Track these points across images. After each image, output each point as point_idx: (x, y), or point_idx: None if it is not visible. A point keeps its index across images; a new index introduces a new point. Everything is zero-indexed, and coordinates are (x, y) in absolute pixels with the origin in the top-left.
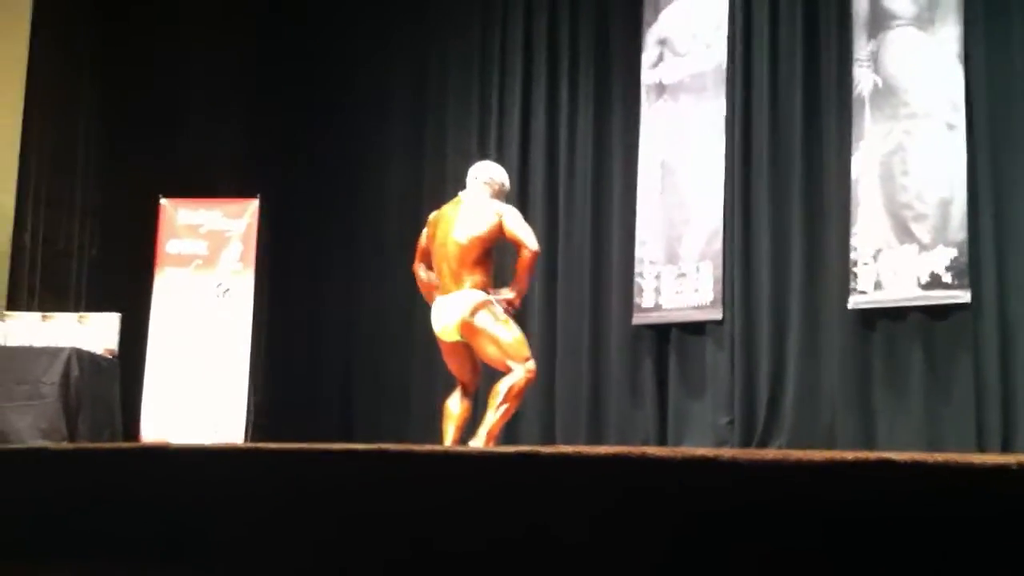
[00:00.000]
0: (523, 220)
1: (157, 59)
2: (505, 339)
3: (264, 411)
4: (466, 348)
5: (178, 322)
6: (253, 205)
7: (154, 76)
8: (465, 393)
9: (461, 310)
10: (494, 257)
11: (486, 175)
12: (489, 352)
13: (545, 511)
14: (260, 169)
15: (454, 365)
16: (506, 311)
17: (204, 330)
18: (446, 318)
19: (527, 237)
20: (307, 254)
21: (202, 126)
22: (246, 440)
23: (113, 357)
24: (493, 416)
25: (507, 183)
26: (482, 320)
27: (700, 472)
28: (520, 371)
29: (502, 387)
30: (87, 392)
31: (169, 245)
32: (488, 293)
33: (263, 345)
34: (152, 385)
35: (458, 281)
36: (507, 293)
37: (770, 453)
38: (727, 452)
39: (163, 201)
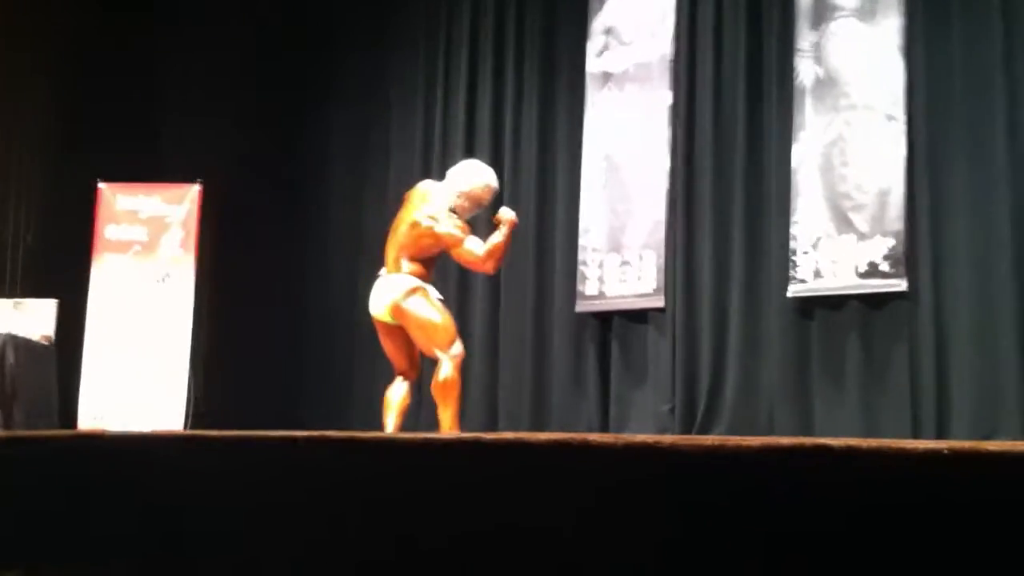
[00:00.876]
0: (449, 225)
1: (98, 41)
2: (431, 324)
3: (204, 399)
4: (401, 331)
5: (117, 309)
6: (194, 191)
7: (95, 58)
8: (405, 380)
9: (394, 293)
10: (432, 255)
11: (455, 174)
12: (416, 336)
13: (487, 498)
14: (202, 154)
15: (389, 349)
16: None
17: (143, 317)
18: (381, 299)
19: (453, 238)
20: (250, 241)
21: (143, 109)
22: (185, 428)
23: (50, 344)
24: (444, 415)
25: (475, 188)
26: (412, 304)
27: (641, 459)
28: (446, 361)
29: (437, 386)
30: (23, 379)
31: (108, 231)
32: (425, 283)
33: (204, 333)
34: (90, 372)
35: (398, 265)
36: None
37: (709, 439)
38: (667, 438)
39: (101, 185)
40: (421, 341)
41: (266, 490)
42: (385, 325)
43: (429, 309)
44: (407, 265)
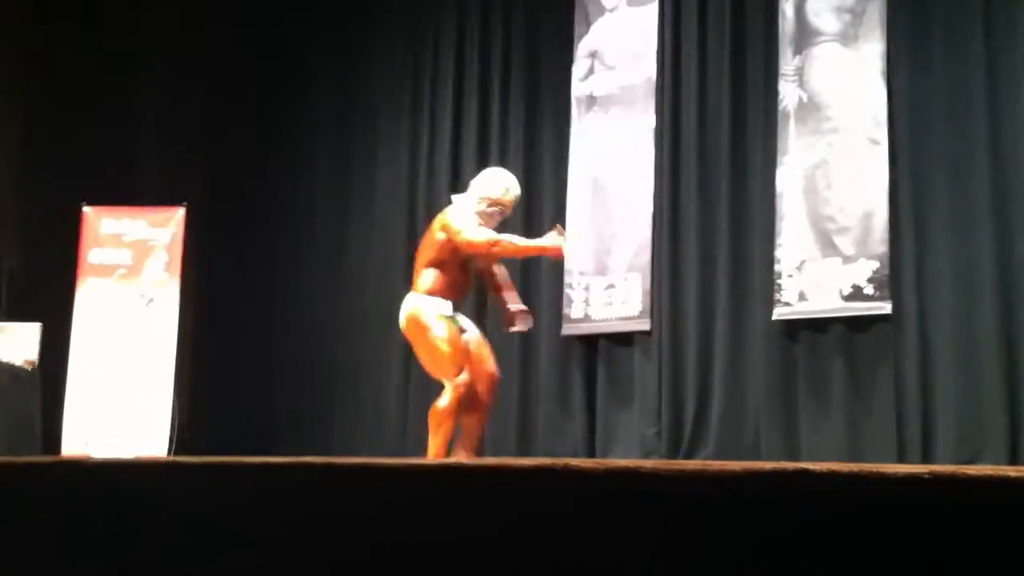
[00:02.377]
0: (460, 217)
1: (82, 63)
2: (435, 351)
3: (189, 424)
4: None
5: (101, 333)
6: (179, 214)
7: (79, 81)
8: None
9: (405, 310)
10: (453, 265)
11: (477, 181)
12: (422, 359)
13: (468, 524)
14: (186, 178)
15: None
16: (517, 318)
17: (128, 341)
18: (400, 316)
19: (459, 227)
20: (234, 264)
21: (127, 133)
22: (170, 453)
23: (33, 368)
24: (432, 442)
25: (497, 194)
26: (419, 326)
27: (623, 484)
28: (448, 390)
29: (432, 411)
30: (6, 404)
31: (92, 254)
32: (430, 294)
33: (188, 356)
34: (74, 397)
35: (415, 281)
36: (514, 304)
37: (691, 464)
38: (649, 463)
39: (86, 209)
40: (427, 365)
41: (249, 516)
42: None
43: (434, 334)
44: (423, 279)
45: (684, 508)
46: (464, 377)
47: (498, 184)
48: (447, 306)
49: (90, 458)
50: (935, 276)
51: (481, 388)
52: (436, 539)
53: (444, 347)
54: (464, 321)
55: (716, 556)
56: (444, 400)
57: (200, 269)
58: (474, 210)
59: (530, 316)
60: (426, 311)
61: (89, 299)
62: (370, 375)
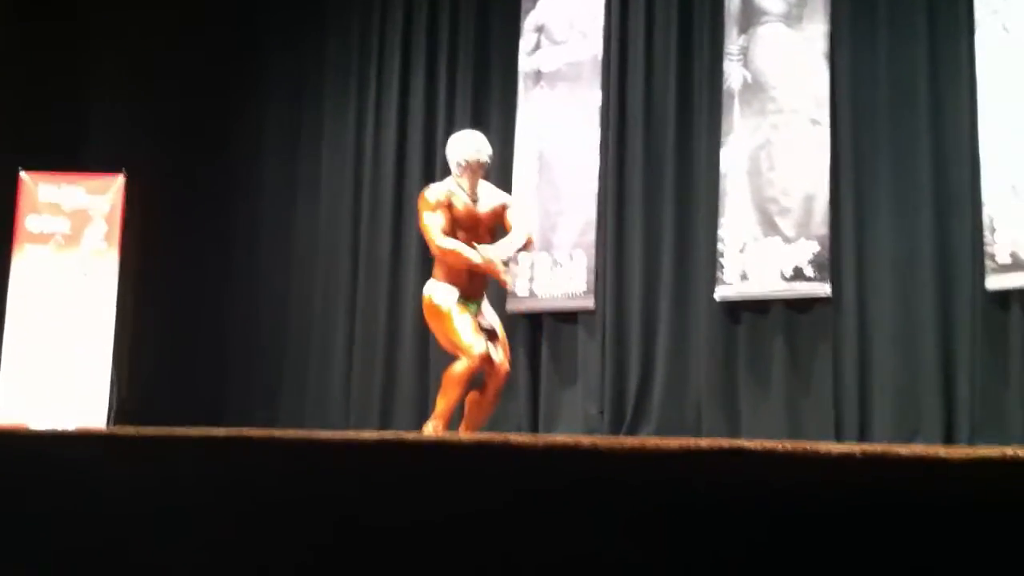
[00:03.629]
0: (427, 213)
1: (21, 28)
2: (448, 334)
3: (127, 396)
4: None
5: (38, 302)
6: (118, 181)
7: (17, 44)
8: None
9: (423, 296)
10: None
11: (447, 149)
12: (441, 342)
13: (409, 497)
14: (132, 151)
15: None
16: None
17: (65, 310)
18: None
19: (425, 224)
20: (175, 235)
21: (67, 97)
22: (108, 425)
23: None
24: (439, 400)
25: (466, 156)
26: (429, 313)
27: (561, 459)
28: (463, 359)
29: (447, 374)
30: None
31: (28, 221)
32: (443, 281)
33: (128, 327)
34: (9, 367)
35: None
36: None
37: (628, 440)
38: (587, 439)
39: (23, 174)
40: (445, 345)
41: (185, 488)
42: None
43: (445, 317)
44: (434, 265)
45: (621, 484)
46: (481, 350)
47: (468, 147)
48: (454, 292)
49: (24, 429)
50: (875, 259)
51: (490, 381)
52: (375, 512)
53: (455, 326)
54: (486, 309)
55: (652, 531)
56: (459, 365)
57: (144, 240)
58: (456, 179)
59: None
60: (436, 296)
61: (26, 267)
62: (316, 351)
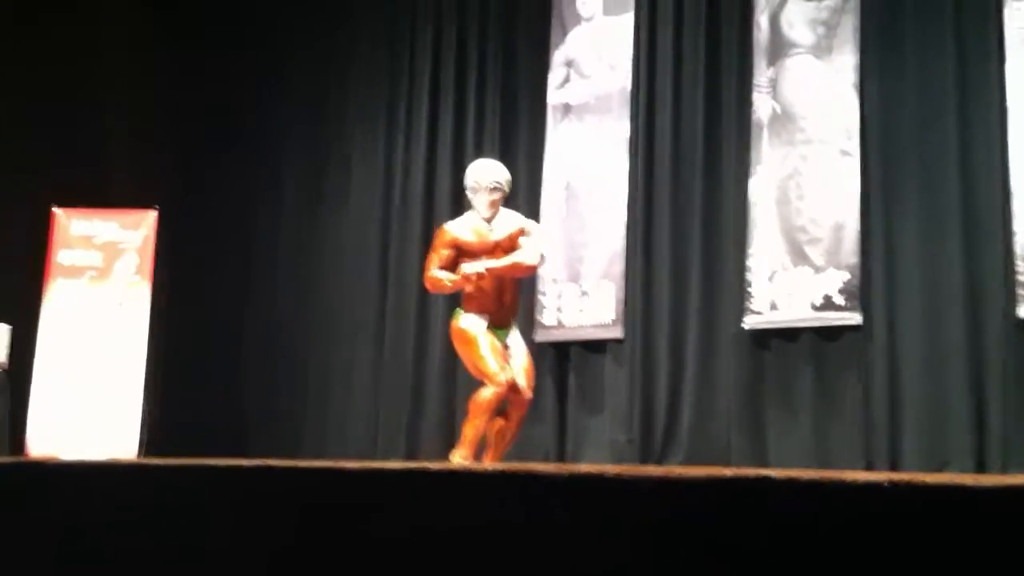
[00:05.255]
0: (433, 245)
1: (56, 64)
2: (474, 361)
3: (158, 427)
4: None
5: (70, 335)
6: (151, 217)
7: (51, 82)
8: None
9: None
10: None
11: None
12: (469, 369)
13: (434, 525)
14: (159, 181)
15: None
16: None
17: (97, 343)
18: None
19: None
20: (206, 268)
21: (100, 134)
22: (140, 456)
23: (3, 370)
24: (466, 428)
25: (469, 184)
26: (456, 340)
27: (586, 489)
28: (489, 386)
29: (473, 400)
30: None
31: (61, 256)
32: (464, 309)
33: (159, 360)
34: (40, 399)
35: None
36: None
37: (653, 470)
38: (613, 469)
39: (56, 210)
40: (472, 372)
41: (216, 517)
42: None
43: (471, 345)
44: (464, 295)
45: (647, 512)
46: (507, 377)
47: (469, 176)
48: (480, 320)
49: (56, 459)
50: (905, 287)
51: (513, 409)
52: (401, 539)
53: (482, 353)
54: (513, 340)
55: (678, 559)
56: (486, 392)
57: (172, 271)
58: (471, 204)
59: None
60: (464, 323)
61: (58, 300)
62: (340, 378)
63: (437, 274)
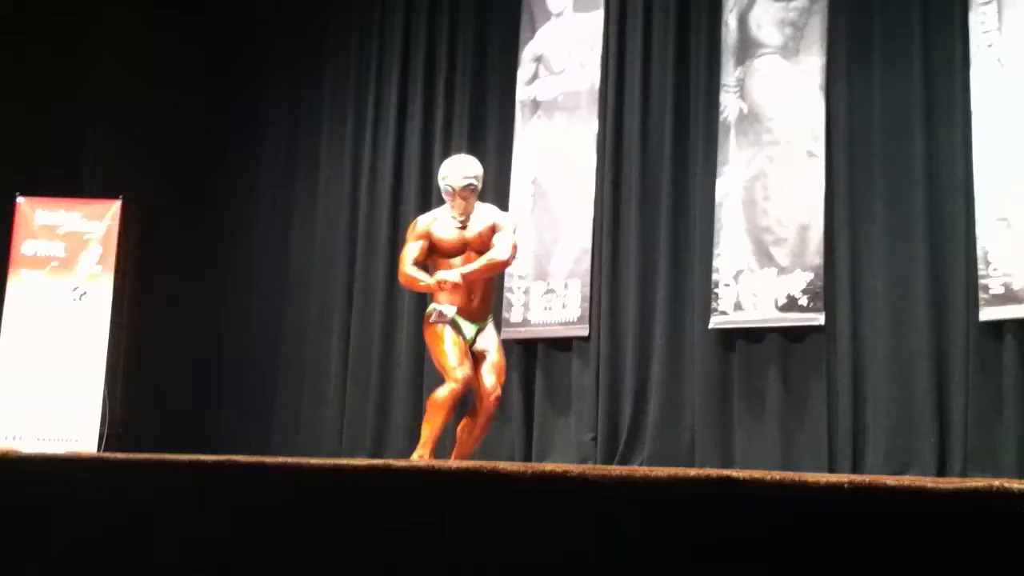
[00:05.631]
0: (407, 236)
1: (18, 53)
2: (433, 352)
3: (120, 420)
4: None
5: (31, 326)
6: (115, 207)
7: (13, 69)
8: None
9: None
10: (433, 267)
11: None
12: (433, 361)
13: (398, 524)
14: (128, 174)
15: None
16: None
17: (59, 335)
18: None
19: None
20: (171, 260)
21: (68, 124)
22: (100, 450)
23: None
24: (424, 428)
25: (445, 184)
26: (424, 330)
27: (550, 487)
28: (447, 383)
29: (430, 400)
30: None
31: (24, 246)
32: (434, 302)
33: (121, 352)
34: (2, 390)
35: None
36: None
37: (616, 469)
38: (576, 468)
39: (19, 199)
40: (434, 362)
41: (176, 513)
42: None
43: (435, 336)
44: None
45: (611, 512)
46: (464, 373)
47: (443, 170)
48: (450, 308)
49: (12, 453)
50: (869, 289)
51: (480, 407)
52: (367, 537)
53: (444, 347)
54: (487, 336)
55: (641, 557)
56: (442, 391)
57: (139, 265)
58: (444, 207)
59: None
60: (428, 317)
61: (21, 291)
62: (310, 375)
63: (412, 272)
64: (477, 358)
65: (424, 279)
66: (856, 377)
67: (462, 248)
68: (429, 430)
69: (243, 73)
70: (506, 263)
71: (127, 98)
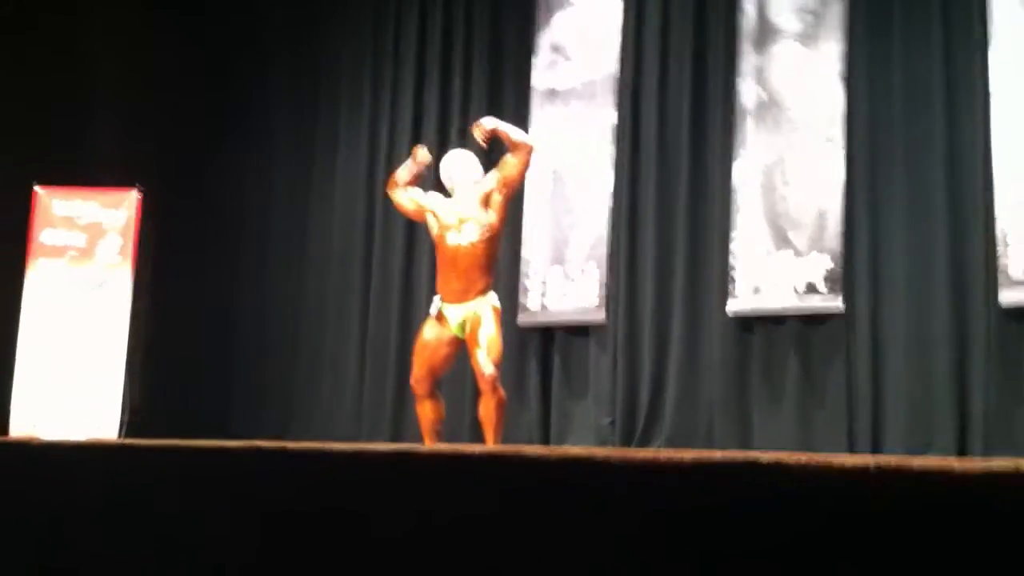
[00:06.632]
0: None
1: (37, 40)
2: None
3: (139, 408)
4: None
5: (51, 315)
6: (132, 196)
7: (29, 59)
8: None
9: None
10: (439, 257)
11: None
12: None
13: (422, 508)
14: (142, 160)
15: None
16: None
17: (79, 324)
18: None
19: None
20: (189, 249)
21: (83, 112)
22: (120, 437)
23: None
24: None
25: (448, 181)
26: None
27: (575, 471)
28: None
29: None
30: None
31: (43, 235)
32: (438, 293)
33: (140, 341)
34: (23, 379)
35: None
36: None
37: (641, 453)
38: (601, 451)
39: (38, 189)
40: None
41: (196, 499)
42: None
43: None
44: None
45: (634, 496)
46: (417, 373)
47: (444, 175)
48: (437, 300)
49: (35, 440)
50: (888, 273)
51: (480, 385)
52: (388, 523)
53: (414, 348)
54: (476, 316)
55: (666, 543)
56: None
57: (157, 253)
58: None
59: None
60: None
61: (40, 281)
62: (328, 361)
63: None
64: (469, 341)
65: (402, 171)
66: (875, 361)
67: (457, 226)
68: (419, 419)
69: (257, 59)
70: (531, 147)
71: (137, 84)
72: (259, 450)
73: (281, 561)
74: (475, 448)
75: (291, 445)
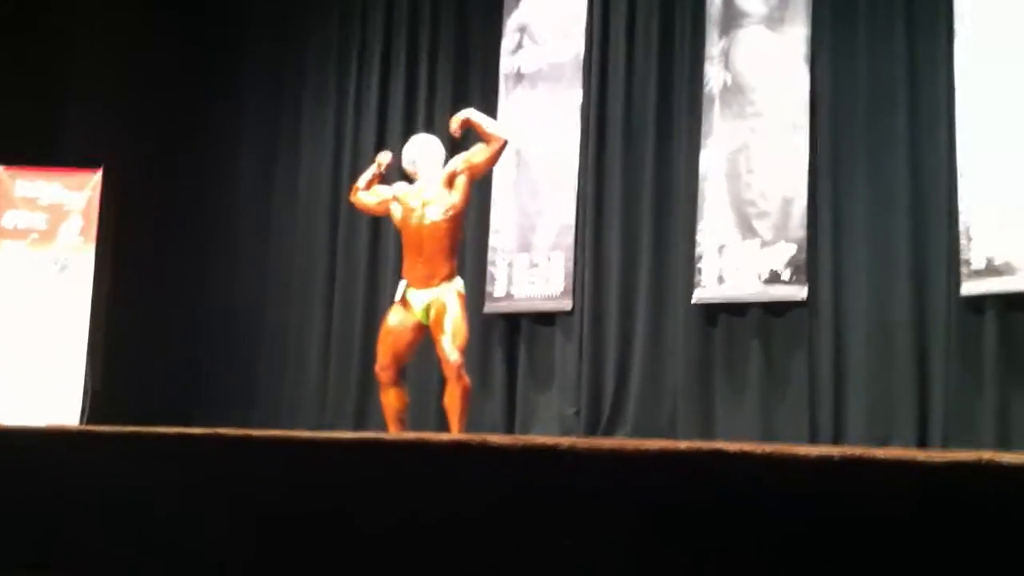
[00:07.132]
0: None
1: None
2: None
3: (102, 393)
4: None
5: (12, 298)
6: (95, 177)
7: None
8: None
9: None
10: (405, 242)
11: None
12: None
13: (386, 497)
14: (108, 147)
15: None
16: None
17: (40, 307)
18: None
19: None
20: (153, 231)
21: (44, 92)
22: (82, 422)
23: None
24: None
25: (410, 165)
26: None
27: (540, 461)
28: None
29: None
30: None
31: (5, 217)
32: (403, 278)
33: (102, 325)
34: None
35: None
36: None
37: (607, 442)
38: (566, 441)
39: (0, 169)
40: None
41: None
42: None
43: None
44: None
45: (599, 485)
46: (380, 363)
47: (406, 160)
48: (402, 284)
49: None
50: (851, 262)
51: (444, 371)
52: (353, 511)
53: (379, 336)
54: (440, 301)
55: (630, 531)
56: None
57: (121, 236)
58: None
59: None
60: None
61: (1, 263)
62: (293, 348)
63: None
64: (434, 328)
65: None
66: (838, 351)
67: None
68: (385, 411)
69: (224, 46)
70: (505, 141)
71: (105, 67)
72: (221, 437)
73: (241, 546)
74: (439, 436)
75: (254, 432)
